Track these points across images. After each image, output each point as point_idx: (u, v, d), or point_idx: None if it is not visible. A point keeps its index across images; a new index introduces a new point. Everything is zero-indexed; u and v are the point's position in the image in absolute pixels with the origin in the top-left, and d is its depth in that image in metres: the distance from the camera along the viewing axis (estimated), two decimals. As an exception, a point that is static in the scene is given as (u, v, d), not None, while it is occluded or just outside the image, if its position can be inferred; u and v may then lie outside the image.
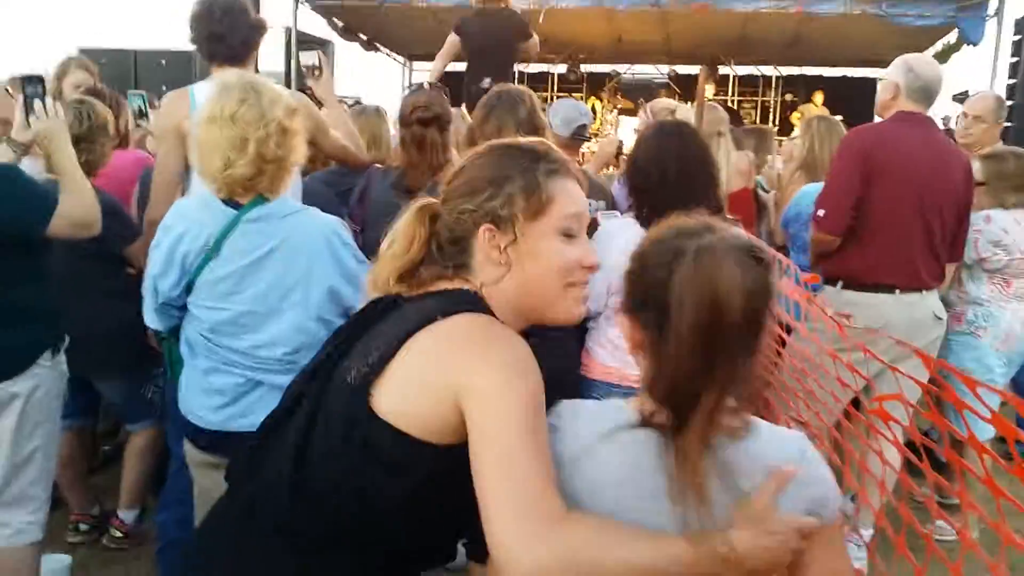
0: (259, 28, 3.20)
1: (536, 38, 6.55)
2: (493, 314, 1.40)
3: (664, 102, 4.35)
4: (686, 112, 4.27)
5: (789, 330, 2.87)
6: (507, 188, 1.41)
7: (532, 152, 1.47)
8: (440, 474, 1.31)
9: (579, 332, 2.85)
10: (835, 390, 2.78)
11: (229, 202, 2.23)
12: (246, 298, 2.23)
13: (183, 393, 2.40)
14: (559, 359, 2.63)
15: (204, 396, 2.31)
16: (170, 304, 2.35)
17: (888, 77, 3.54)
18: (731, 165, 4.45)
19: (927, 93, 3.46)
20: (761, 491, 1.22)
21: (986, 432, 2.91)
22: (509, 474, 1.17)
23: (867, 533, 3.31)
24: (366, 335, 1.43)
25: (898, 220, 3.32)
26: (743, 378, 1.24)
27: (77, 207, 2.54)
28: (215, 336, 2.28)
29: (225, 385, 2.27)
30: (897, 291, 3.34)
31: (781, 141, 8.66)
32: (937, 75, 3.48)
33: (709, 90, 13.73)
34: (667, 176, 2.61)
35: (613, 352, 2.74)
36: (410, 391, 1.30)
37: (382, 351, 1.34)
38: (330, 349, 1.49)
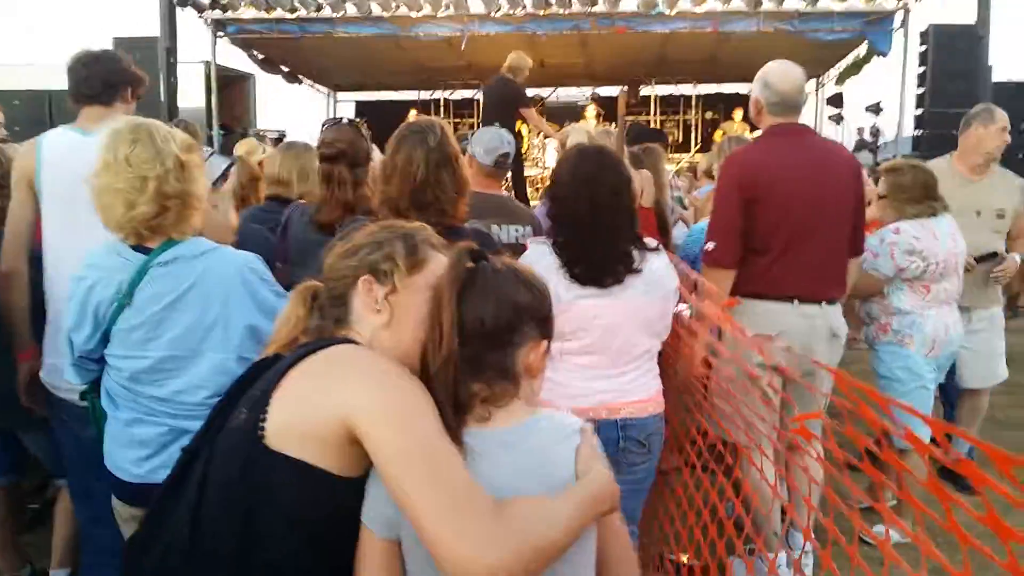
0: (125, 73, 3.13)
1: (532, 108, 8.29)
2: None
3: (580, 127, 4.37)
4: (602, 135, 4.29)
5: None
6: (387, 246, 1.51)
7: (412, 227, 1.59)
8: (340, 513, 1.31)
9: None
10: (759, 409, 2.82)
11: (138, 247, 2.15)
12: (163, 343, 2.16)
13: (107, 447, 2.31)
14: None
15: (127, 449, 2.21)
16: (87, 357, 2.26)
17: (752, 93, 3.53)
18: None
19: (787, 104, 3.43)
20: (584, 445, 1.42)
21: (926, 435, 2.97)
22: (435, 486, 1.17)
23: (797, 550, 3.35)
24: (251, 387, 1.44)
25: (789, 235, 3.31)
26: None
27: None
28: (136, 385, 2.20)
29: (148, 436, 2.18)
30: (795, 301, 3.33)
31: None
32: (795, 85, 3.42)
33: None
34: (581, 203, 2.62)
35: (546, 385, 2.68)
36: (299, 415, 1.31)
37: (264, 387, 1.36)
38: (221, 406, 1.49)
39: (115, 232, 2.14)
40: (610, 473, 1.42)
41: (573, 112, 14.20)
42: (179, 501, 1.40)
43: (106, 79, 3.05)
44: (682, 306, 3.15)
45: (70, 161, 2.74)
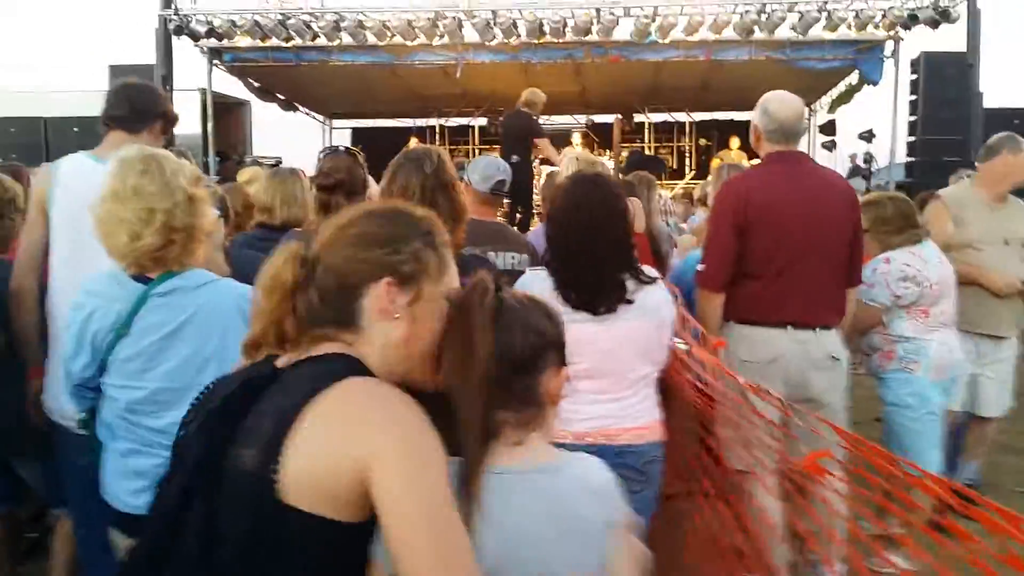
0: (159, 106, 3.12)
1: (546, 139, 8.47)
2: (369, 372, 1.34)
3: (570, 154, 4.38)
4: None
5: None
6: (411, 246, 1.37)
7: (426, 220, 1.44)
8: (357, 557, 1.26)
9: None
10: (764, 437, 2.80)
11: (138, 277, 2.15)
12: (160, 375, 2.15)
13: (105, 477, 2.28)
14: None
15: (124, 480, 2.20)
16: (84, 385, 2.25)
17: (752, 120, 3.57)
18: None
19: (786, 132, 3.46)
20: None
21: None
22: (439, 556, 1.14)
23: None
24: (250, 415, 1.29)
25: (782, 261, 3.32)
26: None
27: None
28: (133, 416, 2.18)
29: (145, 467, 2.16)
30: (789, 327, 3.32)
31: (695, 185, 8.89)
32: (793, 113, 3.46)
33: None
34: (574, 230, 2.64)
35: None
36: (316, 466, 1.19)
37: (274, 430, 1.21)
38: (210, 435, 1.32)
39: (116, 260, 2.14)
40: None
41: (566, 140, 14.27)
42: (180, 545, 1.28)
43: (136, 106, 3.04)
44: (677, 340, 3.16)
45: (79, 186, 2.73)
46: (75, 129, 10.47)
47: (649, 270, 2.74)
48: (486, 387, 1.33)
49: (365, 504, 1.19)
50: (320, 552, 1.22)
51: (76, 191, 2.79)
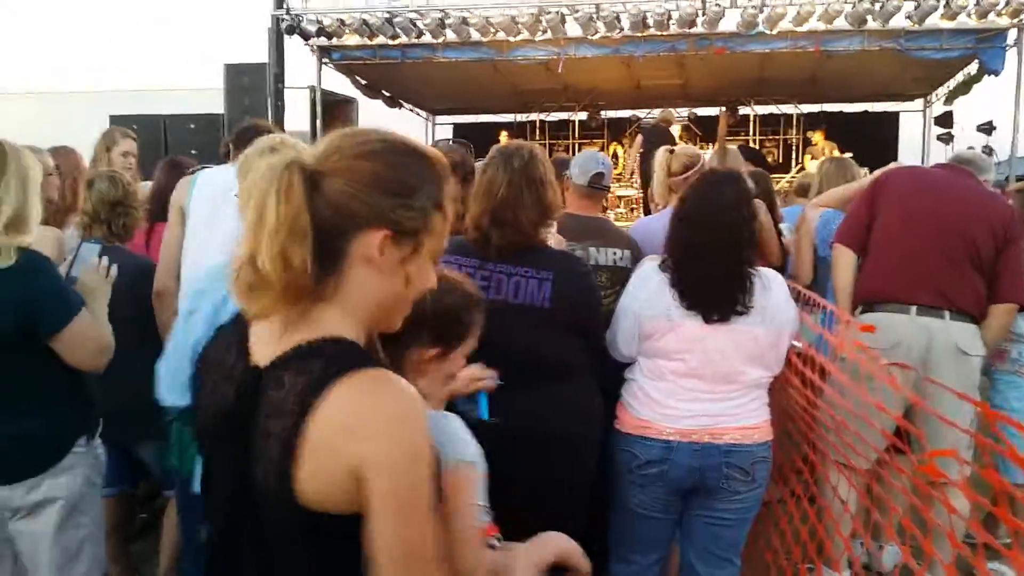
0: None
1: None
2: (367, 356, 1.23)
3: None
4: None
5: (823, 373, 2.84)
6: (419, 200, 1.25)
7: (440, 164, 1.31)
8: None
9: (601, 386, 2.79)
10: (868, 435, 2.73)
11: None
12: None
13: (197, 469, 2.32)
14: (580, 424, 2.62)
15: None
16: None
17: None
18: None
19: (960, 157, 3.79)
20: None
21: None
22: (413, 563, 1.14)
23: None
24: (254, 435, 1.19)
25: (909, 241, 3.33)
26: None
27: (91, 330, 2.49)
28: None
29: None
30: (913, 310, 3.27)
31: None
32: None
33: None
34: (696, 232, 2.63)
35: (646, 402, 2.70)
36: (330, 473, 1.13)
37: (283, 441, 1.14)
38: (226, 462, 1.26)
39: None
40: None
41: (669, 135, 14.06)
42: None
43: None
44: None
45: (209, 187, 3.12)
46: (191, 126, 10.91)
47: (770, 273, 2.70)
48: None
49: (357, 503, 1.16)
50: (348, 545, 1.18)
51: (205, 191, 3.03)
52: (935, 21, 10.20)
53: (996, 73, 10.64)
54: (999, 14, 10.03)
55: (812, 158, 12.21)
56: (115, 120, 9.36)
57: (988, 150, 11.72)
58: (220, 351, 1.34)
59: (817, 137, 13.31)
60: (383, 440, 1.12)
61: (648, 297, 2.69)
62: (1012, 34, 10.31)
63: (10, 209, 2.30)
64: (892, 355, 3.19)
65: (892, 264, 3.32)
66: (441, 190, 1.29)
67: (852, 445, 2.72)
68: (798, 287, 3.42)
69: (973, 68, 11.46)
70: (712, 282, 2.60)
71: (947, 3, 9.90)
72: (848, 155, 5.39)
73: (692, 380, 2.63)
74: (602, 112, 16.27)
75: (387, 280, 1.24)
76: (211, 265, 2.40)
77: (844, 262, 3.47)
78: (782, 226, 4.73)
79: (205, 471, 1.37)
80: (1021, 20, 10.06)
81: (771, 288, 2.63)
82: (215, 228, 2.99)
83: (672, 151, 3.85)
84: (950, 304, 3.24)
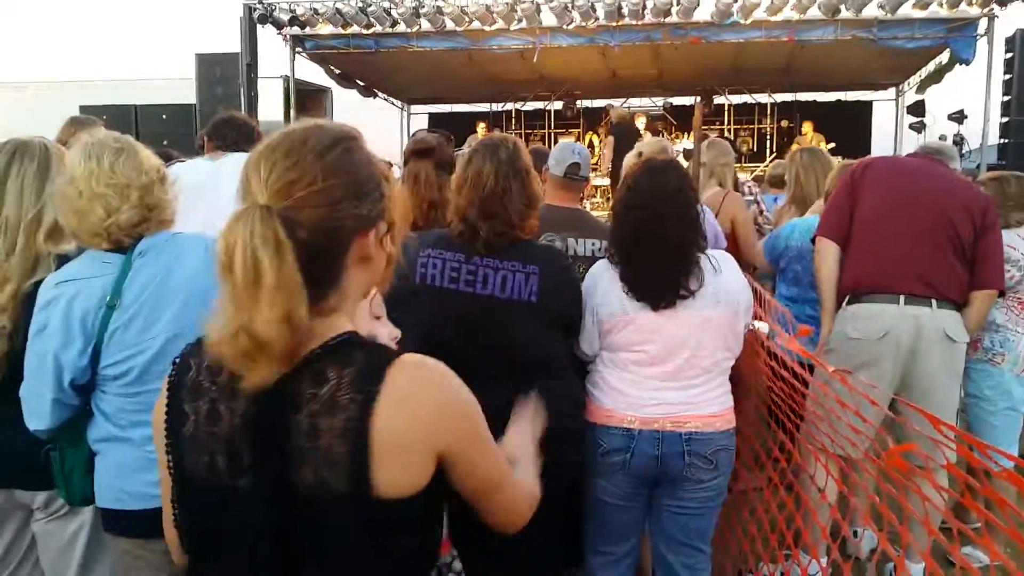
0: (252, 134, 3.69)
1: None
2: (377, 349, 1.25)
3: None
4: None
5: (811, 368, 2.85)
6: (374, 183, 1.26)
7: (352, 131, 1.30)
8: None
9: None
10: (850, 433, 2.75)
11: (112, 251, 2.17)
12: (165, 323, 2.13)
13: (114, 483, 2.18)
14: (568, 417, 2.61)
15: (147, 471, 2.00)
16: (74, 385, 2.13)
17: None
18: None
19: (928, 147, 3.77)
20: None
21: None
22: (507, 486, 1.37)
23: (917, 568, 3.27)
24: (287, 432, 1.16)
25: (893, 226, 3.35)
26: None
27: None
28: (148, 386, 2.11)
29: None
30: (902, 300, 3.28)
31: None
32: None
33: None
34: (634, 224, 2.67)
35: (609, 392, 2.72)
36: (409, 448, 1.17)
37: (348, 434, 1.14)
38: (245, 475, 1.20)
39: (88, 240, 2.16)
40: None
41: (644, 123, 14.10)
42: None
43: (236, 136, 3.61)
44: (758, 323, 3.13)
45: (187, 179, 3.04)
46: (163, 116, 10.81)
47: (720, 255, 2.72)
48: None
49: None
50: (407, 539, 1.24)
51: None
52: (907, 11, 10.28)
53: (967, 62, 10.75)
54: (970, 3, 10.14)
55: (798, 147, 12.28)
56: (86, 110, 9.24)
57: (959, 138, 11.83)
58: (190, 376, 1.29)
59: (807, 128, 13.41)
60: (452, 404, 1.24)
61: (603, 295, 2.72)
62: (983, 23, 10.41)
63: (51, 217, 2.28)
64: (881, 344, 3.24)
65: (877, 253, 3.34)
66: (373, 157, 1.30)
67: (848, 437, 2.73)
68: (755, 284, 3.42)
69: (945, 57, 11.57)
70: (655, 270, 2.62)
71: (919, -8, 9.99)
72: (831, 145, 5.39)
73: (653, 369, 2.65)
74: (578, 101, 16.27)
75: (376, 263, 1.29)
76: (60, 271, 2.20)
77: (828, 255, 3.48)
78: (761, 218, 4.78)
79: (191, 505, 1.30)
80: (992, 9, 10.16)
81: (722, 270, 2.66)
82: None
83: (640, 154, 3.88)
84: (936, 292, 3.27)
